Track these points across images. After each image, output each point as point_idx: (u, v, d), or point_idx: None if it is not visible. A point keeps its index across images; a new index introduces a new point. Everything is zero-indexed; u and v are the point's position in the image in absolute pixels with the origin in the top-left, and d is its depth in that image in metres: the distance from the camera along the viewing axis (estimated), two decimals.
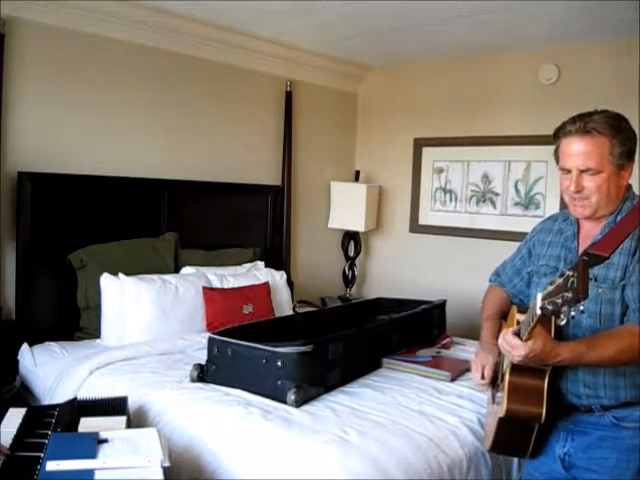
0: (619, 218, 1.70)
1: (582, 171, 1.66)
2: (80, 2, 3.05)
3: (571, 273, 1.34)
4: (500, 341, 1.61)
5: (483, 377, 1.83)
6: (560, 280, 1.35)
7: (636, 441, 1.66)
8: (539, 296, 1.39)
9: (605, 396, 1.68)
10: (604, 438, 1.69)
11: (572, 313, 1.33)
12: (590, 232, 1.76)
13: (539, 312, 1.38)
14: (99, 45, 3.26)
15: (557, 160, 1.75)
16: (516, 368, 1.62)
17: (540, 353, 1.53)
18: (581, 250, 1.75)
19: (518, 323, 1.58)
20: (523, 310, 1.64)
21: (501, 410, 1.66)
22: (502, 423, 1.69)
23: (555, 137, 1.74)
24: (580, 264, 1.34)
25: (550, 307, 1.35)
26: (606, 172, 1.65)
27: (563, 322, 1.33)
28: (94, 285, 3.00)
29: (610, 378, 1.67)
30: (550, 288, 1.37)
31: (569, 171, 1.69)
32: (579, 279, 1.32)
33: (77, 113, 3.21)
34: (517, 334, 1.55)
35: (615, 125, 1.66)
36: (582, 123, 1.65)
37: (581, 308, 1.32)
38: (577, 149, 1.66)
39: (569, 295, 1.32)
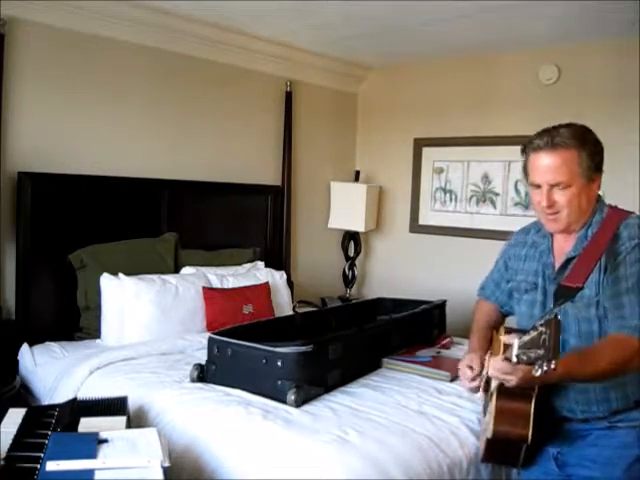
0: (590, 232, 1.70)
1: (552, 185, 1.66)
2: (80, 2, 3.05)
3: (544, 330, 1.34)
4: (491, 371, 1.60)
5: (473, 378, 1.83)
6: (534, 334, 1.36)
7: (628, 439, 1.68)
8: (516, 343, 1.39)
9: (598, 410, 1.70)
10: (599, 436, 1.71)
11: (545, 368, 1.32)
12: (563, 246, 1.77)
13: (515, 360, 1.39)
14: (99, 45, 3.26)
15: (526, 175, 1.75)
16: (503, 392, 1.63)
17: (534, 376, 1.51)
18: (557, 264, 1.76)
19: (505, 347, 1.57)
20: (510, 331, 1.65)
21: (489, 431, 1.67)
22: (490, 443, 1.71)
23: (523, 152, 1.74)
24: (552, 323, 1.34)
25: (524, 358, 1.36)
26: (576, 185, 1.65)
27: (537, 374, 1.33)
28: (94, 285, 3.00)
29: (600, 393, 1.68)
30: (525, 339, 1.37)
31: (539, 186, 1.69)
32: (551, 338, 1.32)
33: (77, 113, 3.21)
34: (508, 359, 1.52)
35: (582, 137, 1.66)
36: (549, 138, 1.65)
37: (552, 366, 1.31)
38: (546, 164, 1.66)
39: (541, 352, 1.33)
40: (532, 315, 1.81)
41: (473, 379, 1.84)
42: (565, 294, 1.61)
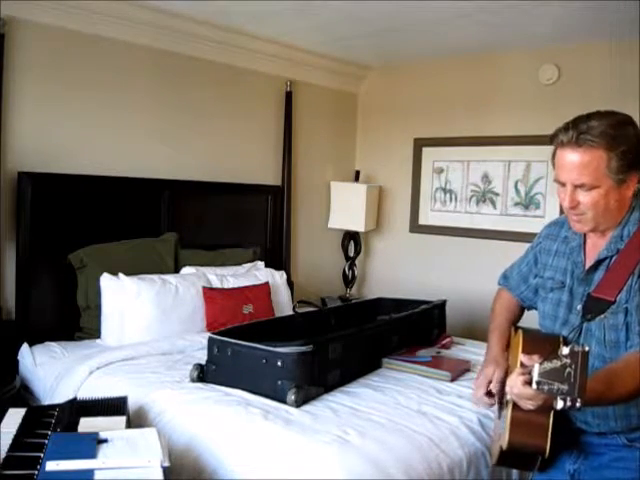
0: (626, 232, 1.57)
1: (577, 186, 1.53)
2: (80, 2, 3.05)
3: (569, 362, 1.21)
4: (509, 390, 1.47)
5: (489, 394, 1.73)
6: (558, 364, 1.23)
7: None
8: (536, 369, 1.27)
9: (617, 425, 1.61)
10: (616, 459, 1.62)
11: (569, 404, 1.20)
12: (596, 244, 1.64)
13: (535, 387, 1.27)
14: (99, 45, 3.25)
15: (554, 166, 1.60)
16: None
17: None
18: (588, 263, 1.64)
19: (522, 364, 1.45)
20: (528, 340, 1.53)
21: (503, 442, 1.59)
22: (505, 453, 1.61)
23: (551, 142, 1.59)
24: (579, 356, 1.21)
25: (545, 388, 1.25)
26: (603, 187, 1.50)
27: (559, 407, 1.22)
28: (94, 285, 3.00)
29: (620, 409, 1.58)
30: (547, 366, 1.25)
31: (564, 184, 1.56)
32: (577, 374, 1.20)
33: (77, 113, 3.21)
34: (529, 383, 1.36)
35: (614, 135, 1.48)
36: (576, 132, 1.49)
37: (578, 405, 1.19)
38: (570, 162, 1.51)
39: (565, 388, 1.21)
40: (557, 316, 1.70)
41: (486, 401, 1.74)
42: (595, 307, 1.51)
